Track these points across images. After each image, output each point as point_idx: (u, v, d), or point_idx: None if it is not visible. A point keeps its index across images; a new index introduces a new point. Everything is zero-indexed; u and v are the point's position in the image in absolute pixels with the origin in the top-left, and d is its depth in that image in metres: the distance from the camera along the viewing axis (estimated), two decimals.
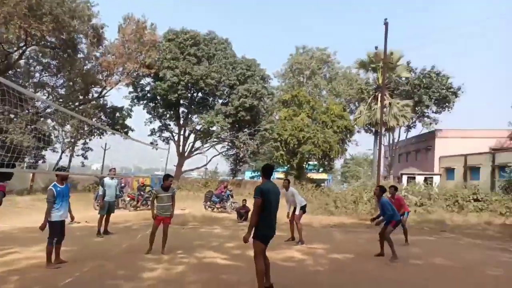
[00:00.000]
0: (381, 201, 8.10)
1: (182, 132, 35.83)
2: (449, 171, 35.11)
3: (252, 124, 33.56)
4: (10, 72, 26.34)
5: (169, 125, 36.92)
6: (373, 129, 33.27)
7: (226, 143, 36.42)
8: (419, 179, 32.57)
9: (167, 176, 8.04)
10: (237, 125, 33.98)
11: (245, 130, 33.33)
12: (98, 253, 7.51)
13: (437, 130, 37.85)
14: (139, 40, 29.38)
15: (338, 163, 57.40)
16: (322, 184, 33.25)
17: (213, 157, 37.91)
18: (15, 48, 25.67)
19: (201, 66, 32.22)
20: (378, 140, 21.84)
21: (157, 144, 33.53)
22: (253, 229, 4.95)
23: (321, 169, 35.09)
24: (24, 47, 25.62)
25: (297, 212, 9.25)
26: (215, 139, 35.13)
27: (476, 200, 17.87)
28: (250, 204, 15.13)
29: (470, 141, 36.86)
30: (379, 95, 28.79)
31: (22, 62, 28.30)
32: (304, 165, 33.59)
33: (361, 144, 58.70)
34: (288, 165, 32.36)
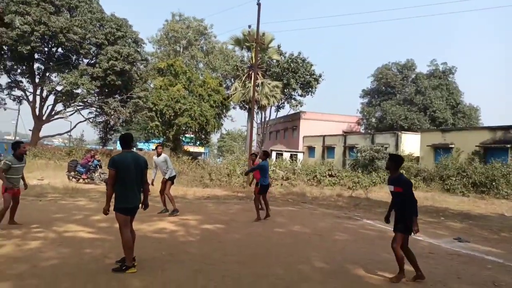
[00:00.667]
0: (262, 163, 9.02)
1: (38, 92, 30.98)
2: (311, 150, 39.56)
3: (124, 90, 31.19)
4: None
5: (21, 82, 31.49)
6: (247, 106, 34.74)
7: (94, 108, 33.12)
8: (286, 155, 35.81)
9: (18, 143, 7.13)
10: (106, 90, 31.16)
11: (116, 96, 30.80)
12: None
13: (302, 112, 41.94)
14: None
15: (214, 137, 58.53)
16: (199, 157, 33.47)
17: (78, 123, 34.13)
18: None
19: (61, 17, 28.04)
20: (250, 117, 22.89)
21: (5, 104, 28.33)
22: (114, 200, 4.83)
23: (197, 142, 35.19)
24: None
25: (166, 176, 9.12)
26: (80, 103, 31.49)
27: (331, 175, 20.48)
28: None
29: (327, 123, 42.15)
30: (252, 73, 30.01)
31: None
32: (180, 137, 33.14)
33: (237, 120, 61.05)
34: (164, 137, 31.46)
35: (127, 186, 4.78)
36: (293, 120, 44.34)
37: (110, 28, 30.28)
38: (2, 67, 29.97)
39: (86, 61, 31.41)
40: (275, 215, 9.93)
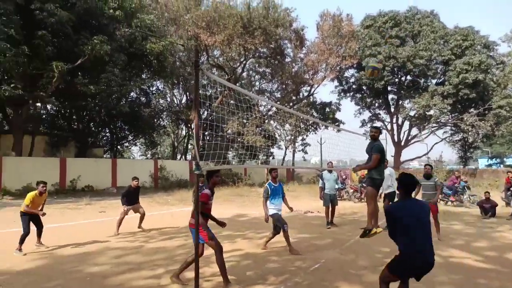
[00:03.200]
0: None
1: (394, 120, 34.12)
2: None
3: (479, 103, 28.61)
4: (237, 84, 31.61)
5: (379, 114, 35.88)
6: None
7: (449, 127, 32.40)
8: None
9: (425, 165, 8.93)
10: (459, 106, 29.71)
11: (472, 110, 28.63)
12: (335, 243, 7.77)
13: None
14: (337, 34, 29.79)
15: None
16: None
17: (434, 144, 34.62)
18: (238, 63, 30.83)
19: (406, 47, 29.83)
20: None
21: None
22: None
23: None
24: (244, 61, 30.39)
25: None
26: (434, 124, 31.70)
27: None
28: (495, 197, 12.67)
29: None
30: None
31: (244, 74, 33.71)
32: None
33: None
34: None
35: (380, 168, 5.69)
36: None
37: (455, 41, 29.09)
38: (363, 104, 35.42)
39: (434, 81, 31.60)
40: None
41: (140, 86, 25.58)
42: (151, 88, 31.53)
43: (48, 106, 26.20)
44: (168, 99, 35.08)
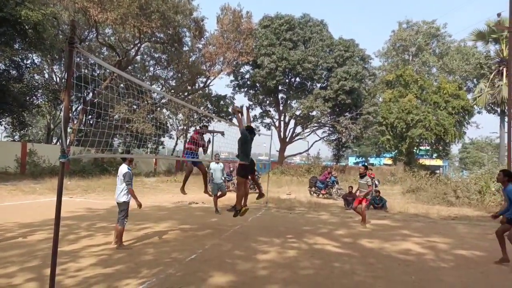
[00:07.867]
0: (507, 189, 6.51)
1: (282, 118, 36.23)
2: None
3: (353, 108, 32.21)
4: (129, 67, 29.70)
5: (270, 111, 37.61)
6: (498, 109, 28.97)
7: (327, 128, 35.74)
8: None
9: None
10: (337, 109, 33.01)
11: (346, 114, 32.17)
12: (215, 233, 7.99)
13: None
14: (236, 30, 30.05)
15: (455, 148, 52.00)
16: (437, 171, 30.33)
17: (314, 142, 37.93)
18: (131, 46, 28.86)
19: (297, 50, 31.84)
20: (507, 122, 18.78)
21: (259, 130, 34.57)
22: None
23: (434, 155, 32.03)
24: (138, 44, 28.56)
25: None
26: (315, 124, 34.71)
27: None
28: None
29: None
30: (504, 69, 24.93)
31: (138, 58, 31.77)
32: (414, 150, 31.10)
33: (483, 126, 51.96)
34: (396, 151, 30.34)
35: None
36: None
37: (339, 51, 32.13)
38: (256, 100, 36.81)
39: (319, 85, 34.38)
40: None
41: (10, 57, 22.13)
42: (25, 61, 27.43)
43: None
44: (46, 76, 31.09)
